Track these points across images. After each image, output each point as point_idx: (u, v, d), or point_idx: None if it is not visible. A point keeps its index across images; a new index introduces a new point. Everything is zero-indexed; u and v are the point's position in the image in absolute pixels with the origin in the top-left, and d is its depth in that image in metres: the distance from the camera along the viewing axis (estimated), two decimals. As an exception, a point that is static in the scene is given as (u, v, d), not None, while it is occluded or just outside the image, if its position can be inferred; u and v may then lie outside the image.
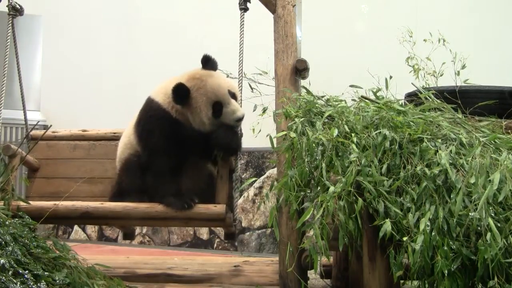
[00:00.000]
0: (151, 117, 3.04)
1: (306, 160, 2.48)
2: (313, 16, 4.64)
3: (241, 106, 3.13)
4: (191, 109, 2.93)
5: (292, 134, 2.61)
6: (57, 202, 2.94)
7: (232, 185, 3.14)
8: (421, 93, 2.88)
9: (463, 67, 3.21)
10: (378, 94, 2.87)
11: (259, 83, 3.40)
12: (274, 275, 3.10)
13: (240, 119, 2.94)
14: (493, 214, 2.07)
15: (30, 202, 2.95)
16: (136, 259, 3.53)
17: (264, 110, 3.02)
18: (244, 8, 3.24)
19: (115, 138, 3.44)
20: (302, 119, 2.68)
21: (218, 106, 2.91)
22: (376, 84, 2.92)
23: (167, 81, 3.09)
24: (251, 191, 5.41)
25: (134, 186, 3.04)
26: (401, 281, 2.57)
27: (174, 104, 2.95)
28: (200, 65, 3.10)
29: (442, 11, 5.03)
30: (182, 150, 2.98)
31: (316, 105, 2.81)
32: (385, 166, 2.33)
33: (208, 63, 3.06)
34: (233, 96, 2.98)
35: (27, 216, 2.69)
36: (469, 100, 2.90)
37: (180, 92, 2.90)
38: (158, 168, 2.98)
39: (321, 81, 3.06)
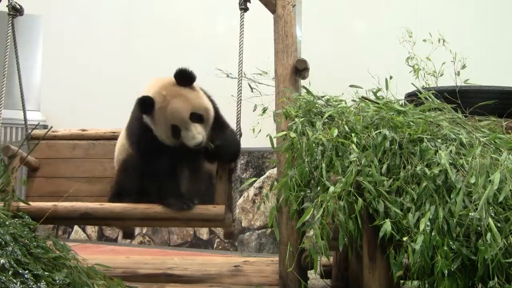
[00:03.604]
0: (135, 120, 3.03)
1: (306, 160, 2.48)
2: (313, 16, 4.64)
3: (239, 107, 3.13)
4: (154, 122, 2.90)
5: (292, 134, 2.61)
6: (56, 203, 2.94)
7: (231, 186, 3.14)
8: (421, 93, 2.88)
9: (463, 67, 3.21)
10: (378, 94, 2.87)
11: (259, 83, 3.40)
12: (274, 275, 3.10)
13: (197, 145, 2.85)
14: (493, 214, 2.07)
15: (30, 202, 2.95)
16: (136, 259, 3.53)
17: (264, 110, 3.02)
18: (244, 8, 3.24)
19: (114, 137, 3.44)
20: (302, 119, 2.68)
21: (176, 129, 2.86)
22: (376, 84, 2.92)
23: (152, 82, 3.03)
24: (251, 191, 5.41)
25: (133, 187, 3.03)
26: (401, 281, 2.57)
27: None
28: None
29: (442, 11, 5.03)
30: (171, 153, 2.94)
31: (316, 105, 2.81)
32: (385, 166, 2.33)
33: (182, 77, 2.91)
34: (199, 118, 2.87)
35: (27, 216, 2.70)
36: (469, 100, 2.90)
37: (143, 105, 2.85)
38: (153, 170, 2.96)
39: (321, 81, 3.05)
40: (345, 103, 2.83)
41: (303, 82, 3.13)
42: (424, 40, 3.38)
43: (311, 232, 2.34)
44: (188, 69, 2.92)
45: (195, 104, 2.89)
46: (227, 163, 3.08)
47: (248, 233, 5.37)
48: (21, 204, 2.91)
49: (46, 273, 2.22)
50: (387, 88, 2.89)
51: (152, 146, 2.94)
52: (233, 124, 3.15)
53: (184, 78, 2.92)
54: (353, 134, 2.45)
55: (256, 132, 3.14)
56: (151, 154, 2.95)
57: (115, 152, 3.25)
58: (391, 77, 2.90)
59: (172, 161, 2.96)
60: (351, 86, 2.92)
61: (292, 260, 2.70)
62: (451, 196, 2.15)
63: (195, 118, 2.87)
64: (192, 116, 2.86)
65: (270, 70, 3.21)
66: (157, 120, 2.88)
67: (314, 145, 2.47)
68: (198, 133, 2.84)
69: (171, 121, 2.85)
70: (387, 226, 2.16)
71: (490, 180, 2.11)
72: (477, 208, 2.06)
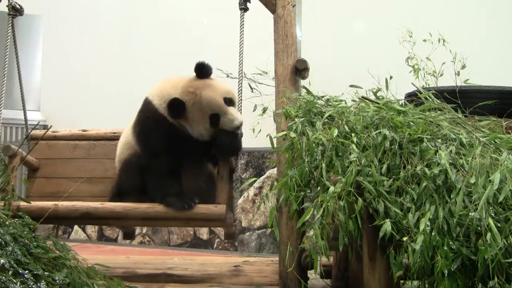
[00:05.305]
0: (148, 119, 3.02)
1: (306, 160, 2.48)
2: (313, 16, 4.64)
3: (240, 107, 3.13)
4: (189, 121, 2.92)
5: (292, 134, 2.61)
6: (57, 202, 2.94)
7: (233, 185, 3.14)
8: (421, 93, 2.88)
9: (463, 67, 3.21)
10: (378, 94, 2.87)
11: (259, 83, 3.40)
12: (274, 275, 3.09)
13: (238, 127, 2.94)
14: (493, 214, 2.07)
15: (31, 202, 2.95)
16: (136, 259, 3.53)
17: (264, 110, 3.02)
18: (244, 8, 3.24)
19: (115, 138, 3.44)
20: (302, 119, 2.68)
21: (215, 118, 2.91)
22: (376, 84, 2.92)
23: (164, 82, 3.07)
24: (251, 191, 5.41)
25: (134, 186, 3.03)
26: (401, 281, 2.57)
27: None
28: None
29: (442, 11, 5.03)
30: (180, 152, 2.97)
31: (316, 105, 2.81)
32: (385, 166, 2.33)
33: (202, 71, 3.01)
34: (230, 101, 2.96)
35: (27, 216, 2.70)
36: (469, 100, 2.90)
37: (176, 107, 2.89)
38: (158, 169, 2.97)
39: (321, 81, 3.06)
40: (345, 103, 2.83)
41: (303, 82, 3.13)
42: (424, 40, 3.38)
43: (311, 232, 2.34)
44: (205, 62, 3.02)
45: (223, 89, 2.98)
46: (227, 157, 3.08)
47: (248, 233, 5.37)
48: (22, 203, 2.91)
49: (46, 273, 2.22)
50: (387, 88, 2.89)
51: (162, 144, 2.95)
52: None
53: (205, 70, 3.01)
54: (353, 134, 2.45)
55: (256, 132, 3.14)
56: (160, 152, 2.96)
57: (117, 151, 3.25)
58: (391, 77, 2.90)
59: (177, 160, 2.97)
60: (351, 86, 2.92)
61: (292, 260, 2.70)
62: (451, 196, 2.15)
63: (228, 102, 2.94)
64: (225, 101, 2.93)
65: (270, 70, 3.21)
66: (191, 117, 2.91)
67: (314, 145, 2.47)
68: (236, 114, 2.93)
69: (210, 111, 2.89)
70: (387, 226, 2.16)
71: (490, 180, 2.10)
72: (477, 208, 2.06)
